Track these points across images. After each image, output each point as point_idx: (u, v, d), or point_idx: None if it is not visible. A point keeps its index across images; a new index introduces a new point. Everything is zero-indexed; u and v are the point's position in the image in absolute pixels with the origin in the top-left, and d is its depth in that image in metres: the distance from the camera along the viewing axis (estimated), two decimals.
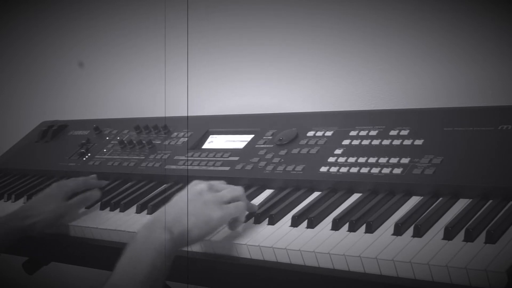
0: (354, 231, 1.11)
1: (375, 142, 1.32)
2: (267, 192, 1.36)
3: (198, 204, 1.16)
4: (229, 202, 1.20)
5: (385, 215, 1.13)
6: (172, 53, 2.08)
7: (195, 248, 1.22)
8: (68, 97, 2.44)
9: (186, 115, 1.78)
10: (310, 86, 1.79)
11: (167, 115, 1.80)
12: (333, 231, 1.13)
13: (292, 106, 1.79)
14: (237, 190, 1.24)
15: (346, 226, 1.13)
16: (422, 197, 1.17)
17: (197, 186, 1.20)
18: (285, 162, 1.38)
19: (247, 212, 1.24)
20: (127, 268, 1.09)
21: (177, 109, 1.93)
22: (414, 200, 1.18)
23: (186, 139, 1.64)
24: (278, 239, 1.14)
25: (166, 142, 1.65)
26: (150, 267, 1.08)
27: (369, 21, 1.66)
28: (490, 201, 1.10)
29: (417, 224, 1.05)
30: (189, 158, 1.55)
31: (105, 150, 1.75)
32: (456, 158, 1.19)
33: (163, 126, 1.71)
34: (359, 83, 1.70)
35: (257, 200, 1.33)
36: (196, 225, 1.13)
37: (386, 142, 1.31)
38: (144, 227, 1.14)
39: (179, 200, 1.17)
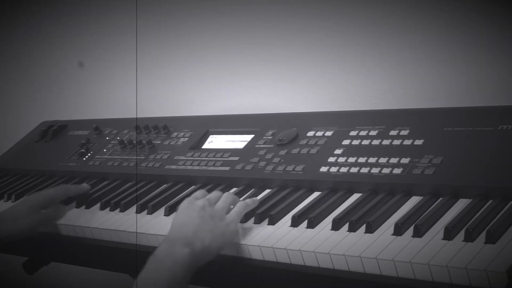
0: (354, 231, 1.11)
1: (375, 142, 1.32)
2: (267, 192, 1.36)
3: (209, 219, 1.19)
4: (229, 208, 1.24)
5: (385, 215, 1.13)
6: (173, 53, 2.09)
7: None
8: (68, 97, 2.44)
9: (182, 115, 1.78)
10: (310, 86, 1.79)
11: (168, 115, 1.80)
12: (333, 231, 1.13)
13: (292, 106, 1.79)
14: (230, 194, 1.29)
15: (346, 226, 1.13)
16: (422, 197, 1.17)
17: (196, 203, 1.23)
18: (285, 162, 1.38)
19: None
20: (149, 280, 1.10)
21: (178, 109, 1.93)
22: (414, 200, 1.17)
23: (185, 139, 1.64)
24: (278, 239, 1.14)
25: (166, 142, 1.65)
26: (171, 279, 1.09)
27: (369, 21, 1.66)
28: (490, 201, 1.10)
29: (417, 224, 1.05)
30: (189, 158, 1.55)
31: (105, 150, 1.75)
32: (456, 158, 1.19)
33: (163, 126, 1.71)
34: (359, 83, 1.70)
35: None
36: (215, 239, 1.16)
37: (386, 142, 1.31)
38: (165, 241, 1.17)
39: (189, 217, 1.20)
